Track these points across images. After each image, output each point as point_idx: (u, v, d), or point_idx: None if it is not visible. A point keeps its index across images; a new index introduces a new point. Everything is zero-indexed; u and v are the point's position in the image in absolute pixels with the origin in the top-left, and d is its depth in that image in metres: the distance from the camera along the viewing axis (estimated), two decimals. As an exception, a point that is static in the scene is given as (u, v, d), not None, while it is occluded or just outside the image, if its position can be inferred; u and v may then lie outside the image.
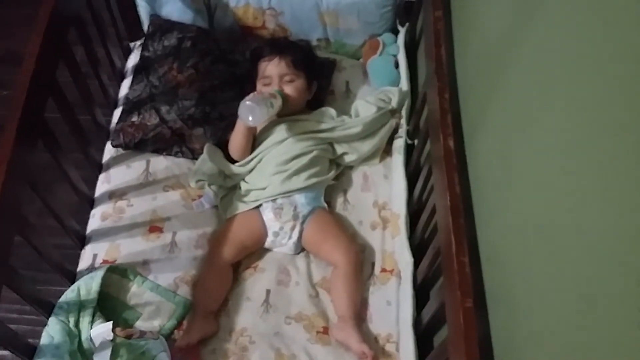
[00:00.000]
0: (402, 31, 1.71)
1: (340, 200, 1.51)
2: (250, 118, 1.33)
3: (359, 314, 1.31)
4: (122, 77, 1.67)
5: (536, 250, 0.79)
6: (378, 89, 1.62)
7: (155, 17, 1.67)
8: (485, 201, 1.03)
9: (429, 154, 1.38)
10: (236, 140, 1.45)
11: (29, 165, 1.15)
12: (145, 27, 1.70)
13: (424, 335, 1.25)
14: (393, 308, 1.33)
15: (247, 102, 1.33)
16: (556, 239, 0.73)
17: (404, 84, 1.61)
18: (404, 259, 1.34)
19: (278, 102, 1.40)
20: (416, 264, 1.33)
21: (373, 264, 1.40)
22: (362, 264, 1.38)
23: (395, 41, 1.72)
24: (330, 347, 1.28)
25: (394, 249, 1.41)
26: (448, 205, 1.01)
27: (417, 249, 1.35)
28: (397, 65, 1.67)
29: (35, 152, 1.18)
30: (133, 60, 1.68)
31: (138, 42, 1.72)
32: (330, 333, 1.29)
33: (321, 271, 1.40)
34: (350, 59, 1.77)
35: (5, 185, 1.04)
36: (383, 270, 1.39)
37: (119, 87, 1.65)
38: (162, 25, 1.64)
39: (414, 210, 1.43)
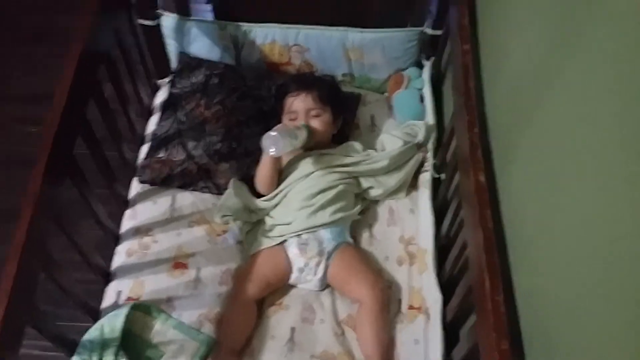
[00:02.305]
0: (427, 65, 1.71)
1: (366, 235, 1.48)
2: (273, 149, 1.33)
3: (387, 353, 1.27)
4: (150, 113, 1.70)
5: (576, 287, 0.76)
6: (403, 123, 1.61)
7: (183, 55, 1.70)
8: (520, 237, 0.99)
9: (457, 188, 1.36)
10: (262, 173, 1.45)
11: (56, 201, 1.15)
12: (174, 64, 1.73)
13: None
14: (421, 347, 1.28)
15: (271, 133, 1.33)
16: (598, 274, 0.70)
17: (430, 118, 1.59)
18: (433, 296, 1.30)
19: (303, 135, 1.39)
20: (445, 301, 1.28)
21: (400, 301, 1.37)
22: (389, 300, 1.34)
23: (420, 75, 1.71)
24: (358, 388, 1.23)
25: (421, 285, 1.37)
26: (481, 242, 0.97)
27: (446, 286, 1.31)
28: (422, 100, 1.67)
29: (62, 188, 1.19)
30: (161, 97, 1.70)
31: (166, 80, 1.75)
32: (357, 374, 1.25)
33: (347, 308, 1.36)
34: (375, 94, 1.77)
35: (33, 221, 1.05)
36: (410, 307, 1.35)
37: (146, 123, 1.67)
38: (190, 63, 1.67)
39: (442, 246, 1.39)
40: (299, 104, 1.47)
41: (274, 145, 1.33)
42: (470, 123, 1.13)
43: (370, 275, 1.35)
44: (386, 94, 1.76)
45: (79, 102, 1.27)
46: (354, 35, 1.65)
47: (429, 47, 1.70)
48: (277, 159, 1.43)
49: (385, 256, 1.44)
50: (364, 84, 1.77)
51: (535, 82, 0.97)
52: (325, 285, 1.39)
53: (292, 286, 1.40)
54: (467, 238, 1.09)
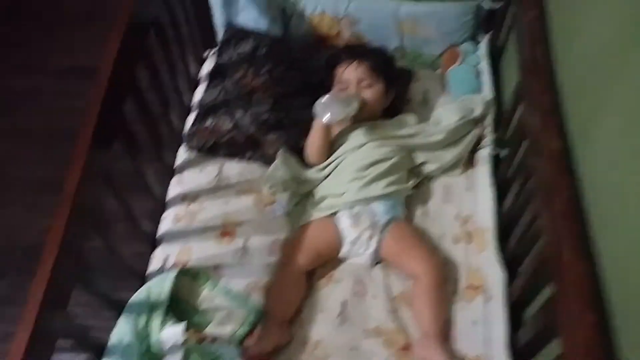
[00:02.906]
0: (485, 40, 1.64)
1: (419, 212, 1.42)
2: (327, 115, 1.28)
3: (444, 332, 1.21)
4: (197, 83, 1.66)
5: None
6: (459, 98, 1.55)
7: (230, 26, 1.66)
8: (602, 205, 0.92)
9: (521, 163, 1.29)
10: (313, 142, 1.40)
11: (104, 164, 1.13)
12: (220, 35, 1.70)
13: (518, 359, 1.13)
14: (480, 328, 1.22)
15: (324, 99, 1.28)
16: None
17: (488, 93, 1.53)
18: (495, 275, 1.24)
19: (355, 104, 1.34)
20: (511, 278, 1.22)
21: (456, 280, 1.30)
22: (446, 276, 1.28)
23: (476, 51, 1.65)
24: (413, 365, 1.17)
25: (480, 264, 1.30)
26: (560, 208, 0.91)
27: (507, 267, 1.25)
28: (478, 76, 1.60)
29: (110, 152, 1.15)
30: (207, 67, 1.67)
31: (212, 51, 1.71)
32: (412, 351, 1.19)
33: (400, 284, 1.30)
34: (427, 70, 1.71)
35: (81, 182, 1.01)
36: (468, 286, 1.28)
37: (193, 93, 1.64)
38: (237, 33, 1.63)
39: (503, 226, 1.32)
40: (350, 73, 1.42)
41: (327, 111, 1.29)
42: (542, 91, 1.06)
43: (426, 250, 1.29)
44: (439, 70, 1.69)
45: (128, 65, 1.23)
46: (408, 7, 1.59)
47: (486, 22, 1.64)
48: (328, 128, 1.38)
49: (440, 234, 1.38)
50: (416, 60, 1.71)
51: (621, 45, 0.91)
52: (377, 260, 1.33)
53: (343, 260, 1.34)
54: (541, 209, 1.02)
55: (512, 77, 1.42)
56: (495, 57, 1.63)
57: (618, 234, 0.86)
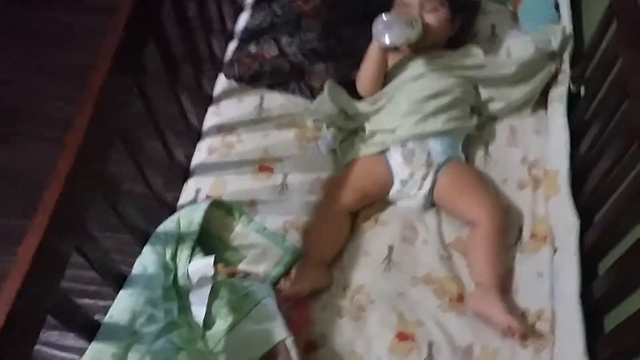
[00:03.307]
0: (564, -33, 1.44)
1: (480, 154, 1.27)
2: (387, 36, 1.13)
3: (503, 283, 1.07)
4: (241, 9, 1.53)
5: None
6: (531, 34, 1.36)
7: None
8: None
9: (599, 106, 1.12)
10: (367, 69, 1.25)
11: (136, 85, 1.03)
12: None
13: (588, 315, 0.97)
14: (546, 281, 1.07)
15: (384, 17, 1.13)
16: None
17: (567, 25, 1.33)
18: (566, 222, 1.07)
19: (418, 27, 1.19)
20: (581, 232, 1.06)
21: (520, 229, 1.15)
22: (508, 224, 1.13)
23: (555, -20, 1.45)
24: (466, 317, 1.04)
25: (547, 212, 1.15)
26: None
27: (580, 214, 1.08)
28: (556, 7, 1.41)
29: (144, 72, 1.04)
30: (253, -5, 1.54)
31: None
32: (466, 302, 1.05)
33: (455, 231, 1.16)
34: (496, 4, 1.52)
35: (107, 97, 0.90)
36: (533, 236, 1.13)
37: (236, 19, 1.51)
38: (287, -46, 1.49)
39: (575, 173, 1.16)
40: (412, -5, 1.26)
41: (386, 32, 1.14)
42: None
43: (486, 194, 1.14)
44: (510, 7, 1.50)
45: None
46: None
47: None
48: (385, 52, 1.23)
49: (503, 179, 1.22)
50: (484, -8, 1.53)
51: None
52: (429, 204, 1.19)
53: (391, 203, 1.21)
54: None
55: (594, 10, 1.23)
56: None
57: None
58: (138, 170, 1.08)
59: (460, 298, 1.06)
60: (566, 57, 1.29)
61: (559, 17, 1.38)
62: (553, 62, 1.28)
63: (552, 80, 1.29)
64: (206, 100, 1.36)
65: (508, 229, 1.13)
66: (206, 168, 1.25)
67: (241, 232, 1.14)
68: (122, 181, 1.00)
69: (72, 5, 2.12)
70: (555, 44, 1.28)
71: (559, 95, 1.25)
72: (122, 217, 1.01)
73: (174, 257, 1.05)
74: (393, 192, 1.19)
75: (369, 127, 1.26)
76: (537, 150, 1.24)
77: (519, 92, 1.26)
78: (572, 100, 1.25)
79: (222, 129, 1.30)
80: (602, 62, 1.14)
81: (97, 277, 0.96)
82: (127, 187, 1.03)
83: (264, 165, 1.24)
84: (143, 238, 1.07)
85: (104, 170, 0.93)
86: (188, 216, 1.10)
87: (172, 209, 1.18)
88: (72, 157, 0.83)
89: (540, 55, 1.26)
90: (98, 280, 0.97)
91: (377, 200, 1.20)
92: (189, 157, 1.28)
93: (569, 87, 1.25)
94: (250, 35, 1.38)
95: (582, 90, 1.23)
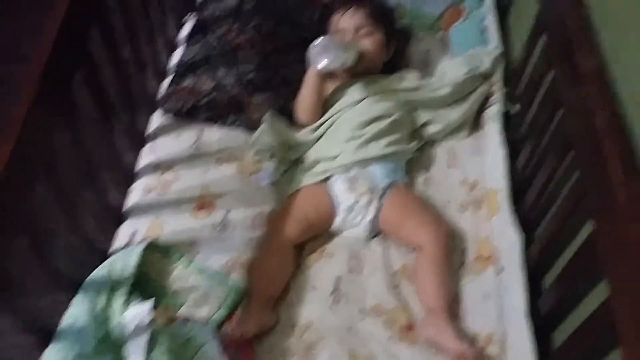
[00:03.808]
0: (490, -6, 1.49)
1: (422, 177, 1.27)
2: (323, 59, 1.13)
3: (452, 308, 1.05)
4: (175, 46, 1.50)
5: None
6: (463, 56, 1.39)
7: (212, -21, 1.50)
8: None
9: (533, 121, 1.15)
10: (305, 96, 1.24)
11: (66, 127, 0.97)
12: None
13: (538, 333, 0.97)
14: (492, 302, 1.06)
15: (320, 42, 1.12)
16: None
17: (497, 47, 1.37)
18: (509, 239, 1.08)
19: (354, 50, 1.19)
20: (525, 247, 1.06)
21: (464, 251, 1.15)
22: (452, 247, 1.12)
23: (481, 5, 1.49)
24: (418, 347, 1.02)
25: (490, 232, 1.15)
26: (600, 128, 0.76)
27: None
28: (483, 32, 1.44)
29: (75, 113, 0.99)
30: (187, 30, 1.51)
31: (192, 14, 1.55)
32: (417, 330, 1.03)
33: (401, 257, 1.15)
34: (428, 31, 1.55)
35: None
36: (478, 257, 1.13)
37: (170, 55, 1.48)
38: (220, -13, 1.47)
39: (515, 189, 1.17)
40: (347, 20, 1.27)
41: (323, 56, 1.13)
42: (573, 6, 0.91)
43: (431, 217, 1.13)
44: (440, 34, 1.54)
45: (79, 28, 1.01)
46: (407, -43, 1.44)
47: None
48: (323, 79, 1.22)
49: (445, 201, 1.22)
50: (415, 21, 1.55)
51: None
52: (375, 231, 1.17)
53: (336, 233, 1.19)
54: (574, 134, 0.89)
55: (522, 32, 1.28)
56: (501, 14, 1.48)
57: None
58: (67, 215, 1.02)
59: (411, 327, 1.04)
60: (498, 76, 1.32)
61: (488, 40, 1.42)
62: (486, 83, 1.31)
63: (487, 100, 1.31)
64: (141, 138, 1.31)
65: (453, 252, 1.12)
66: (142, 209, 1.19)
67: (181, 274, 1.08)
68: (50, 227, 0.94)
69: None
70: (486, 65, 1.31)
71: (493, 114, 1.27)
72: (51, 268, 0.94)
73: (107, 306, 0.98)
74: (338, 222, 1.16)
75: (310, 156, 1.24)
76: (476, 171, 1.25)
77: (455, 113, 1.28)
78: (508, 119, 1.28)
79: (159, 166, 1.25)
80: (532, 77, 1.17)
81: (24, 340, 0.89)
82: (57, 233, 0.97)
83: (204, 202, 1.19)
84: (74, 285, 1.00)
85: (28, 215, 0.87)
86: (122, 261, 1.03)
87: (105, 255, 1.12)
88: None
89: (473, 76, 1.28)
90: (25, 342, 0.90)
91: (321, 231, 1.17)
92: (123, 199, 1.22)
93: (503, 106, 1.27)
94: (185, 68, 1.35)
95: (516, 108, 1.25)
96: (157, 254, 1.09)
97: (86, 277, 1.01)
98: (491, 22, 1.44)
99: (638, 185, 0.71)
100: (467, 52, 1.39)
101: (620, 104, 0.82)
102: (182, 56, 1.40)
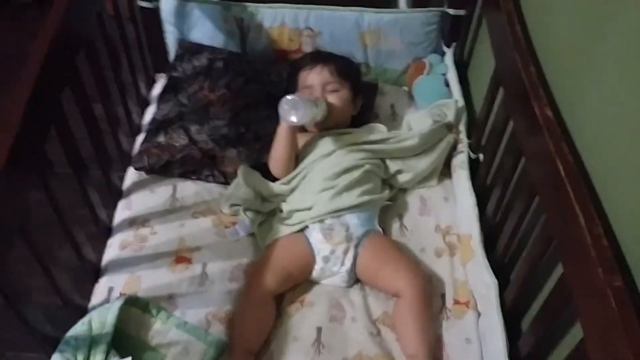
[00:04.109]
0: (450, 51, 1.58)
1: (396, 225, 1.30)
2: (294, 115, 1.17)
3: (434, 354, 1.06)
4: (147, 104, 1.53)
5: None
6: (428, 108, 1.46)
7: (183, 40, 1.55)
8: (604, 168, 0.83)
9: (498, 168, 1.21)
10: (277, 150, 1.27)
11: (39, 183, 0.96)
12: (172, 56, 1.58)
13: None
14: (474, 346, 1.08)
15: (289, 98, 1.17)
16: None
17: (459, 100, 1.45)
18: (484, 283, 1.11)
19: (323, 105, 1.24)
20: (500, 290, 1.09)
21: (443, 296, 1.17)
22: (431, 292, 1.14)
23: (442, 61, 1.58)
24: (402, 394, 1.01)
25: (466, 277, 1.18)
26: (561, 174, 0.81)
27: (496, 275, 1.12)
28: (446, 84, 1.53)
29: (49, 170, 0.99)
30: (158, 89, 1.54)
31: (163, 74, 1.59)
32: (400, 378, 1.03)
33: (381, 305, 1.16)
34: (392, 85, 1.63)
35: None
36: (456, 302, 1.15)
37: (143, 113, 1.50)
38: (191, 48, 1.53)
39: (486, 234, 1.21)
40: (314, 77, 1.32)
41: (293, 110, 1.17)
42: (525, 63, 0.99)
43: (407, 263, 1.16)
44: (405, 88, 1.62)
45: (54, 85, 1.02)
46: (370, 16, 1.53)
47: (451, 32, 1.58)
48: (294, 132, 1.26)
49: (420, 248, 1.25)
50: (380, 76, 1.63)
51: (597, 13, 0.84)
52: (353, 279, 1.19)
53: (315, 283, 1.19)
54: (538, 182, 0.93)
55: (481, 85, 1.36)
56: (461, 68, 1.57)
57: (625, 192, 0.76)
58: (44, 273, 1.00)
59: (394, 375, 1.04)
60: (462, 127, 1.39)
61: (451, 93, 1.50)
62: (451, 133, 1.37)
63: (453, 150, 1.38)
64: (116, 194, 1.31)
65: (432, 297, 1.14)
66: (118, 265, 1.18)
67: (160, 329, 1.07)
68: (26, 285, 0.91)
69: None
70: (450, 116, 1.38)
71: (460, 162, 1.33)
72: (27, 326, 0.92)
73: (85, 365, 0.96)
74: (316, 271, 1.17)
75: (285, 207, 1.26)
76: (448, 217, 1.29)
77: (424, 163, 1.33)
78: (474, 166, 1.33)
79: (134, 222, 1.25)
80: (494, 128, 1.24)
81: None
82: (33, 290, 0.94)
83: (181, 256, 1.19)
84: (51, 343, 0.97)
85: (2, 274, 0.85)
86: (100, 317, 1.02)
87: (83, 312, 1.09)
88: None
89: (439, 127, 1.34)
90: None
91: (301, 281, 1.18)
92: (100, 255, 1.21)
93: (469, 155, 1.33)
94: (158, 126, 1.37)
95: (482, 156, 1.31)
96: (136, 309, 1.07)
97: (64, 334, 0.99)
98: (452, 76, 1.52)
99: (599, 227, 0.75)
100: (431, 104, 1.46)
101: (577, 150, 0.88)
102: (155, 114, 1.43)
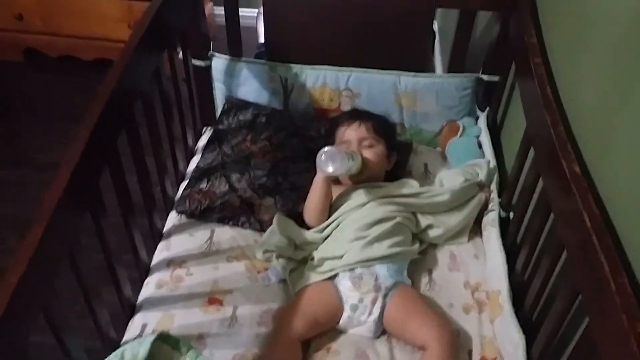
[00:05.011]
0: (483, 115, 1.63)
1: (425, 279, 1.31)
2: (330, 166, 1.22)
3: (460, 409, 1.05)
4: (193, 154, 1.62)
5: None
6: (460, 167, 1.50)
7: (231, 97, 1.66)
8: (633, 221, 0.84)
9: (528, 226, 1.22)
10: (313, 199, 1.33)
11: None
12: (219, 111, 1.69)
13: None
14: (500, 403, 1.06)
15: (327, 150, 1.23)
16: None
17: (491, 161, 1.48)
18: (512, 340, 1.10)
19: (358, 159, 1.30)
20: (528, 346, 1.08)
21: (470, 352, 1.16)
22: (459, 346, 1.14)
23: (476, 124, 1.63)
24: None
25: (494, 334, 1.18)
26: (588, 226, 0.83)
27: (525, 331, 1.11)
28: (479, 147, 1.57)
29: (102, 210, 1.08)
30: (204, 140, 1.64)
31: (210, 127, 1.69)
32: None
33: (407, 357, 1.16)
34: (427, 146, 1.68)
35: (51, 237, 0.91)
36: (483, 358, 1.14)
37: (188, 162, 1.59)
38: (237, 103, 1.63)
39: (515, 291, 1.21)
40: (351, 133, 1.39)
41: (330, 161, 1.23)
42: (554, 122, 1.03)
43: (435, 317, 1.16)
44: (439, 149, 1.67)
45: (110, 131, 1.11)
46: (407, 80, 1.61)
47: (484, 97, 1.64)
48: (329, 184, 1.32)
49: (449, 303, 1.26)
50: (415, 137, 1.69)
51: (623, 74, 0.89)
52: (380, 330, 1.20)
53: (342, 331, 1.21)
54: (567, 236, 0.94)
55: (513, 146, 1.40)
56: (494, 131, 1.61)
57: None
58: (86, 304, 1.05)
59: None
60: (493, 186, 1.42)
61: (483, 154, 1.54)
62: (482, 192, 1.40)
63: (484, 208, 1.40)
64: (157, 236, 1.38)
65: (458, 352, 1.14)
66: (153, 303, 1.23)
67: (189, 367, 1.09)
68: (65, 316, 0.97)
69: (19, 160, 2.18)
70: (482, 175, 1.41)
71: (491, 220, 1.35)
72: (65, 354, 0.96)
73: (116, 396, 0.99)
74: (344, 319, 1.19)
75: (317, 255, 1.30)
76: (478, 274, 1.30)
77: (455, 219, 1.35)
78: (505, 225, 1.35)
79: (172, 262, 1.31)
80: (525, 187, 1.26)
81: None
82: (70, 322, 1.00)
83: (213, 297, 1.24)
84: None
85: (45, 307, 0.90)
86: (133, 350, 1.05)
87: (115, 345, 1.14)
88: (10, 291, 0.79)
89: (471, 185, 1.37)
90: None
91: (328, 328, 1.19)
92: (137, 292, 1.26)
93: (500, 213, 1.35)
94: (201, 173, 1.45)
95: (512, 215, 1.32)
96: (167, 346, 1.10)
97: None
98: (485, 138, 1.56)
99: (624, 276, 0.76)
100: (464, 164, 1.50)
101: (602, 203, 0.90)
102: (199, 162, 1.51)
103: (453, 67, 1.65)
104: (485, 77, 1.60)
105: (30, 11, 2.42)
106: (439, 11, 2.34)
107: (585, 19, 1.08)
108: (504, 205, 1.37)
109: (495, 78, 1.58)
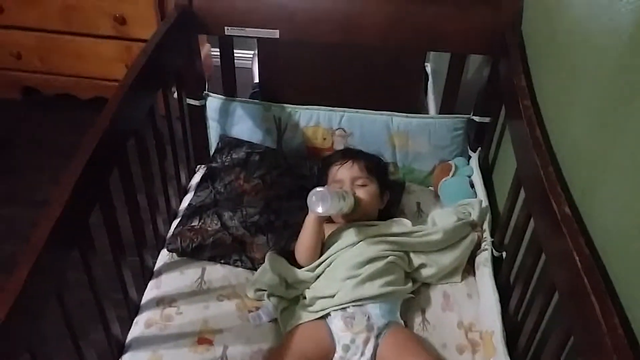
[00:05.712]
0: (475, 155, 1.65)
1: (418, 319, 1.30)
2: (320, 206, 1.23)
3: None
4: (185, 193, 1.62)
5: None
6: (453, 206, 1.51)
7: (225, 135, 1.68)
8: (623, 260, 0.84)
9: (520, 266, 1.22)
10: (304, 238, 1.32)
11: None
12: (213, 149, 1.70)
13: None
14: None
15: (318, 189, 1.24)
16: None
17: (483, 200, 1.49)
18: (506, 383, 1.08)
19: (350, 199, 1.30)
20: (522, 389, 1.06)
21: (464, 394, 1.14)
22: (452, 388, 1.12)
23: (468, 164, 1.65)
24: None
25: (488, 375, 1.16)
26: (579, 268, 0.82)
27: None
28: (471, 186, 1.58)
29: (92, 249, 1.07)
30: (197, 178, 1.64)
31: (204, 165, 1.70)
32: None
33: (400, 399, 1.13)
34: (419, 185, 1.69)
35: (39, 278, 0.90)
36: (477, 401, 1.12)
37: (180, 201, 1.59)
38: (231, 142, 1.64)
39: (508, 331, 1.20)
40: (344, 172, 1.40)
41: (321, 202, 1.24)
42: (544, 163, 1.04)
43: (429, 357, 1.15)
44: (431, 188, 1.68)
45: (102, 169, 1.11)
46: (400, 120, 1.63)
47: (476, 138, 1.66)
48: (321, 223, 1.32)
49: (442, 343, 1.24)
50: (408, 176, 1.70)
51: (612, 112, 0.91)
52: (373, 371, 1.17)
53: (334, 373, 1.19)
54: (557, 276, 0.94)
55: (504, 186, 1.41)
56: (485, 170, 1.63)
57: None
58: (72, 343, 1.03)
59: None
60: (486, 225, 1.42)
61: (475, 194, 1.55)
62: (475, 231, 1.40)
63: (477, 247, 1.40)
64: (147, 274, 1.36)
65: (452, 394, 1.12)
66: (142, 342, 1.21)
67: (176, 409, 1.07)
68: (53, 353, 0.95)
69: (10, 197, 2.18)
70: (474, 215, 1.42)
71: (484, 260, 1.35)
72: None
73: None
74: (336, 359, 1.17)
75: (309, 294, 1.29)
76: (471, 314, 1.29)
77: (447, 258, 1.35)
78: (498, 264, 1.35)
79: (162, 301, 1.29)
80: (517, 226, 1.26)
81: None
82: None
83: (203, 337, 1.22)
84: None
85: (31, 348, 0.88)
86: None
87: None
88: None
89: (463, 224, 1.38)
90: None
91: (320, 369, 1.17)
92: (126, 331, 1.24)
93: (492, 252, 1.35)
94: (194, 211, 1.45)
95: (504, 255, 1.32)
96: (154, 388, 1.08)
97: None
98: (477, 178, 1.57)
99: (615, 317, 0.75)
100: (456, 203, 1.51)
101: (593, 244, 0.90)
102: (191, 200, 1.51)
103: (445, 108, 1.68)
104: (476, 118, 1.62)
105: (29, 50, 2.47)
106: (432, 53, 2.41)
107: (573, 63, 1.10)
108: (497, 245, 1.37)
109: (486, 119, 1.60)
